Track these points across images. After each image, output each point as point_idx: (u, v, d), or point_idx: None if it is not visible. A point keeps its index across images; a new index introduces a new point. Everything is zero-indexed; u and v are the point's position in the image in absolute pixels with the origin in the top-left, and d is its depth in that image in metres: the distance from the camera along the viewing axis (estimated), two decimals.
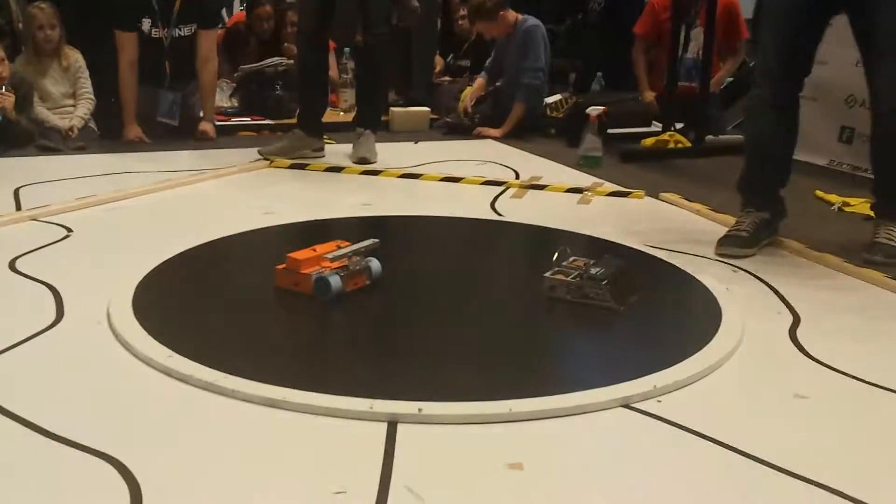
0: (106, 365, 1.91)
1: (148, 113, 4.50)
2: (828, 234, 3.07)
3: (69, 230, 2.89)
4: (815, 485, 1.50)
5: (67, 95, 4.49)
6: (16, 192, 3.35)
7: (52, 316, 2.16)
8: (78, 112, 4.45)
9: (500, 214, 3.28)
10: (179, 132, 4.51)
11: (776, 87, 2.83)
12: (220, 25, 5.20)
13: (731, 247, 2.79)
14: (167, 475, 1.47)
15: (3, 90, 4.07)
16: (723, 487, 1.50)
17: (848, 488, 1.48)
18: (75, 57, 4.49)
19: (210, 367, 1.84)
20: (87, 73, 4.51)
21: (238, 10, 6.79)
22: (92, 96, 4.52)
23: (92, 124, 4.53)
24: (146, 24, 4.38)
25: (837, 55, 4.43)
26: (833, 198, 3.54)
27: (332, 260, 2.32)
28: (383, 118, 4.79)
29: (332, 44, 4.75)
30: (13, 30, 4.78)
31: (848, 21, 2.82)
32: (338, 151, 4.27)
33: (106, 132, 4.52)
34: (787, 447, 1.62)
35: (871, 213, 3.02)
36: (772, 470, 1.54)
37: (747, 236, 2.80)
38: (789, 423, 1.74)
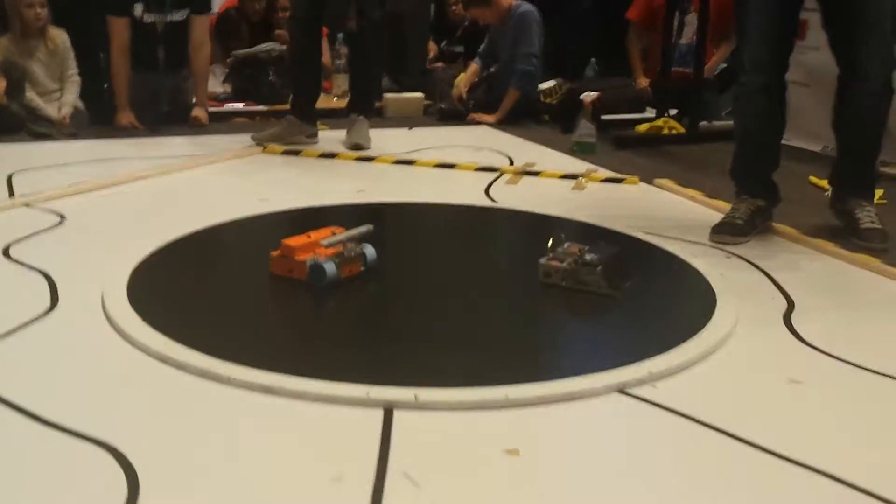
0: (101, 352, 1.91)
1: (141, 99, 4.47)
2: (821, 219, 3.07)
3: (62, 217, 2.88)
4: (809, 469, 1.50)
5: (54, 79, 4.43)
6: (8, 179, 3.33)
7: (47, 303, 2.15)
8: (66, 98, 4.40)
9: (494, 201, 3.28)
10: (173, 118, 4.49)
11: (764, 72, 2.84)
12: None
13: (726, 234, 2.80)
14: (164, 462, 1.47)
15: None
16: (717, 472, 1.50)
17: (842, 472, 1.49)
18: (62, 38, 4.41)
19: (205, 353, 1.83)
20: (73, 54, 4.43)
21: None
22: (78, 77, 4.45)
23: (80, 104, 4.49)
24: (138, 8, 4.35)
25: None
26: (826, 184, 3.54)
27: (327, 246, 2.32)
28: (377, 104, 4.79)
29: (324, 29, 4.73)
30: (4, 14, 4.75)
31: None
32: (331, 138, 4.26)
33: (98, 118, 4.50)
34: (781, 432, 1.63)
35: (829, 187, 3.05)
36: (767, 455, 1.55)
37: (742, 224, 2.81)
38: (784, 408, 1.75)
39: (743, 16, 2.86)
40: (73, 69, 4.46)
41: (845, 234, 2.84)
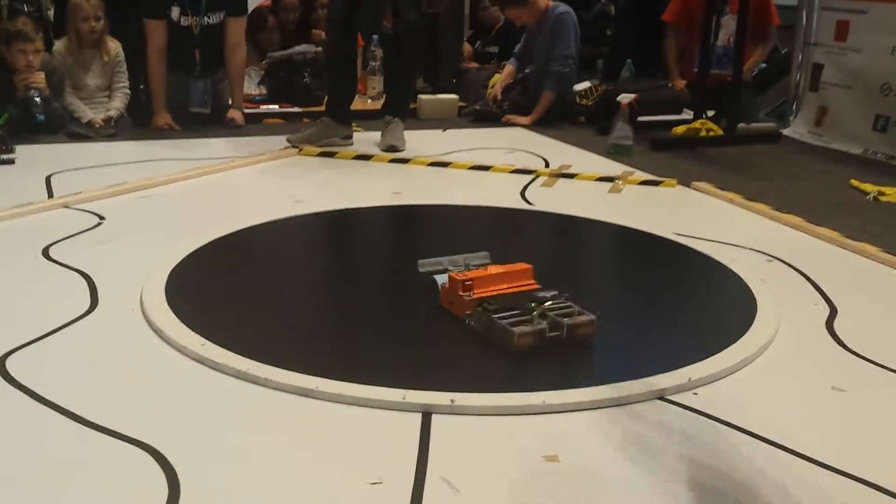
0: (140, 353, 1.92)
1: (178, 101, 4.50)
2: (863, 222, 3.04)
3: (101, 218, 2.91)
4: (852, 478, 1.48)
5: (103, 88, 4.51)
6: (47, 180, 3.36)
7: (87, 304, 2.17)
8: (114, 104, 4.48)
9: (530, 203, 3.26)
10: (209, 120, 4.52)
11: None
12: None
13: None
14: (203, 463, 1.48)
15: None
16: (759, 480, 1.48)
17: (885, 482, 1.46)
18: (116, 50, 4.51)
19: (243, 355, 1.84)
20: (125, 67, 4.53)
21: None
22: (128, 90, 4.54)
23: (125, 115, 4.55)
24: (175, 11, 4.38)
25: (871, 43, 4.38)
26: (868, 186, 3.49)
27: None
28: (412, 106, 4.78)
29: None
30: (42, 17, 4.80)
31: None
32: (366, 139, 4.26)
33: (135, 120, 4.54)
34: (824, 440, 1.60)
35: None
36: (809, 463, 1.53)
37: None
38: (827, 417, 1.72)
39: None
40: (123, 81, 4.54)
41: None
